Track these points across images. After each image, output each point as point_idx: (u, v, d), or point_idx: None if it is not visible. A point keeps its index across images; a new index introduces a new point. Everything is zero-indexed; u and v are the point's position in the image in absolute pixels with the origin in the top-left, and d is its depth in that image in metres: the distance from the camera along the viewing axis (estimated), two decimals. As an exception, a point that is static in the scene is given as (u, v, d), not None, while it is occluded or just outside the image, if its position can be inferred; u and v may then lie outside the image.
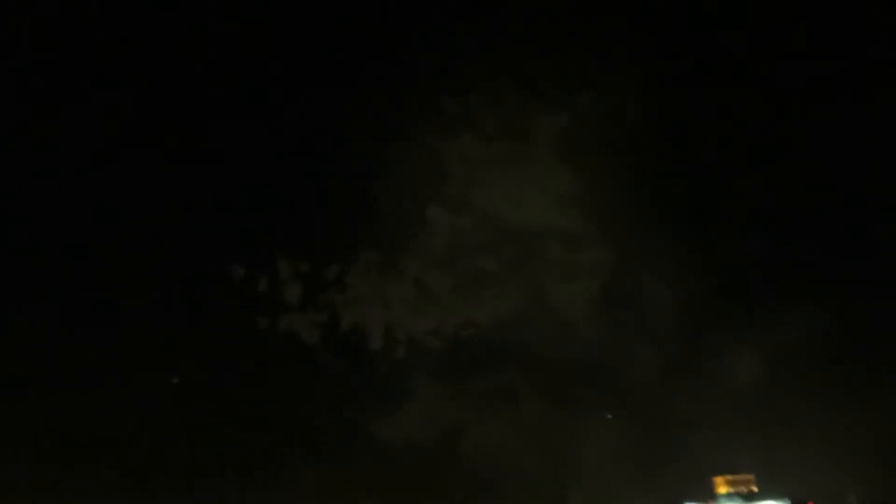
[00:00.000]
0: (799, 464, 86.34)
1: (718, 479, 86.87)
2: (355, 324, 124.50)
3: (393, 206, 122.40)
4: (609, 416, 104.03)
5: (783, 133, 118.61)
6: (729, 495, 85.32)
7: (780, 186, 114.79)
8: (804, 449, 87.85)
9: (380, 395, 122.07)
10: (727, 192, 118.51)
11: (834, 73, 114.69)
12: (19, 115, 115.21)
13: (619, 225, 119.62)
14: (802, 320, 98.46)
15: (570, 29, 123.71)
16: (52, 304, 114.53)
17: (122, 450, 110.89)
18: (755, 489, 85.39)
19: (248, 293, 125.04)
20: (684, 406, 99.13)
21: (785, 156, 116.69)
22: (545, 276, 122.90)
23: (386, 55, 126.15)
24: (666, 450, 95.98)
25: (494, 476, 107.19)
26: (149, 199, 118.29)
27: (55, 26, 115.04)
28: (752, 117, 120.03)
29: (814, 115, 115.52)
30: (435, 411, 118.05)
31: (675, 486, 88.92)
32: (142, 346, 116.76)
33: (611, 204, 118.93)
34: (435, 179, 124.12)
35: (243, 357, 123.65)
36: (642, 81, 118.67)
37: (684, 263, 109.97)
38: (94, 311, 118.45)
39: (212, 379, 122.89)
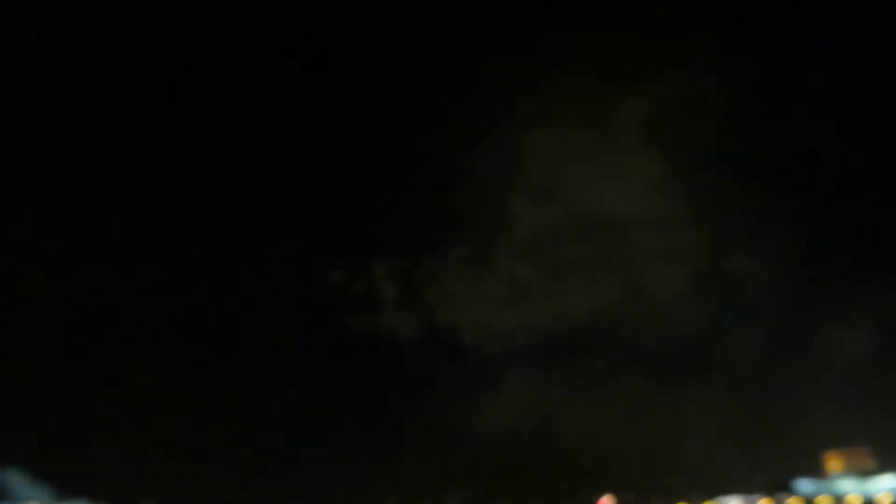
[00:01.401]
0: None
1: (830, 455, 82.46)
2: (450, 319, 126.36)
3: (483, 203, 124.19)
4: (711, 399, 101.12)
5: (874, 100, 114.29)
6: (842, 472, 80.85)
7: (871, 153, 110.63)
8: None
9: (476, 387, 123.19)
10: (818, 165, 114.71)
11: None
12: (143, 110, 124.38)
13: (709, 205, 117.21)
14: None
15: (649, 12, 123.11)
16: (165, 303, 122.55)
17: (240, 443, 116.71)
18: (871, 464, 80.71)
19: (345, 293, 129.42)
20: (791, 382, 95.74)
21: (876, 123, 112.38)
22: (637, 262, 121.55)
23: (463, 53, 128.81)
24: (773, 427, 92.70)
25: (596, 463, 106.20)
26: (253, 206, 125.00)
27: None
28: (840, 87, 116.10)
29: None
30: (533, 401, 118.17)
31: (785, 463, 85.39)
32: (248, 344, 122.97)
33: (700, 185, 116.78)
34: (522, 173, 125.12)
35: (343, 355, 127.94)
36: (725, 61, 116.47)
37: (780, 239, 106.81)
38: (204, 311, 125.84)
39: (314, 376, 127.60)
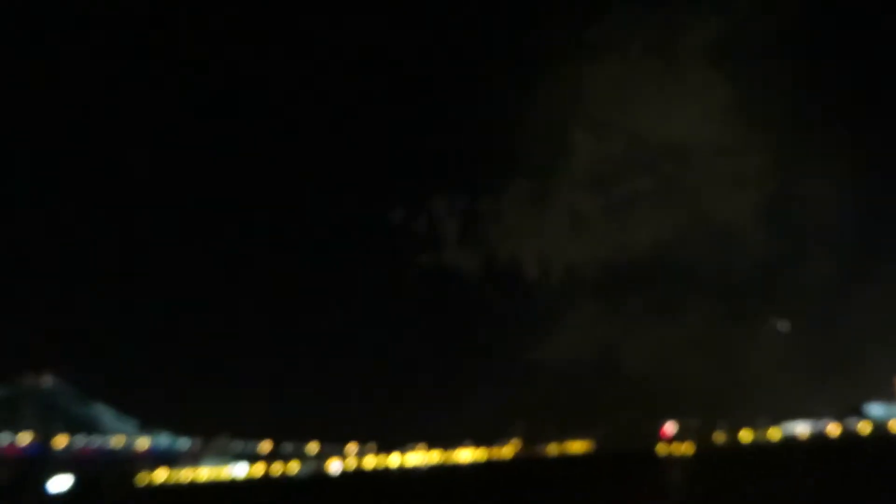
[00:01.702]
0: None
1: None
2: (513, 253, 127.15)
3: (544, 135, 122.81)
4: (782, 326, 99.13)
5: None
6: (915, 395, 78.83)
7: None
8: None
9: (541, 319, 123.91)
10: (891, 85, 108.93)
11: None
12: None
13: (778, 130, 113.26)
14: None
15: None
16: (239, 245, 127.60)
17: (310, 380, 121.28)
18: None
19: (407, 230, 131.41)
20: (862, 307, 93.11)
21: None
22: (703, 189, 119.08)
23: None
24: (844, 352, 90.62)
25: (662, 390, 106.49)
26: (319, 152, 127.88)
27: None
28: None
29: None
30: (598, 332, 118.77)
31: (856, 387, 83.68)
32: (314, 285, 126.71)
33: (770, 108, 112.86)
34: (583, 104, 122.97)
35: (408, 292, 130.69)
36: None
37: (852, 163, 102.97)
38: (278, 244, 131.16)
39: (381, 314, 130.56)
